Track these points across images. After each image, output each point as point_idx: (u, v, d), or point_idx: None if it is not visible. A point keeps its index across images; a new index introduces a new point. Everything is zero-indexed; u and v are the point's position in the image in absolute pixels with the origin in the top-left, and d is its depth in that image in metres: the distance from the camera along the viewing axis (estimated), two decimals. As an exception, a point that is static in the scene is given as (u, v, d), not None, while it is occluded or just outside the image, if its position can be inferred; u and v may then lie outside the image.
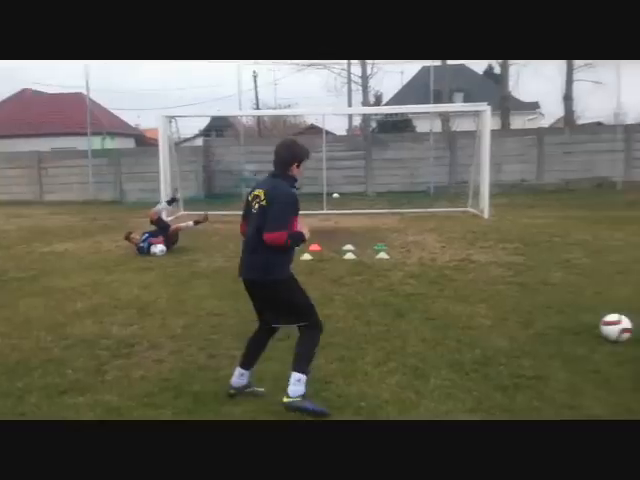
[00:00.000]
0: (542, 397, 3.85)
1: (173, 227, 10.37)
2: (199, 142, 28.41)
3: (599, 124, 29.86)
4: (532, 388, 4.00)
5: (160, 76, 54.13)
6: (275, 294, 3.93)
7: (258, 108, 32.03)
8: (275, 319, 4.05)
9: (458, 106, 20.75)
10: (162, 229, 10.11)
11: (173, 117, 17.50)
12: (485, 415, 3.62)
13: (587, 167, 21.01)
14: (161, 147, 14.98)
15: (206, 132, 36.81)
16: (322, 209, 15.68)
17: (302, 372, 3.84)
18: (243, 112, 25.87)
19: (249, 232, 3.91)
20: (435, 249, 9.71)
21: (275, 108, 35.51)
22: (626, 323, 4.78)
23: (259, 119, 34.73)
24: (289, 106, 37.19)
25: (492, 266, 8.17)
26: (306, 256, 8.98)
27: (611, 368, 4.27)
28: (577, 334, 5.09)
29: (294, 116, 40.24)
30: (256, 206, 3.82)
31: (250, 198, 3.91)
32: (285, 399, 3.78)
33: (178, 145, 22.61)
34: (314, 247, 9.64)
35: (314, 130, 35.90)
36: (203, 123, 39.47)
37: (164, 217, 11.30)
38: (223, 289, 7.14)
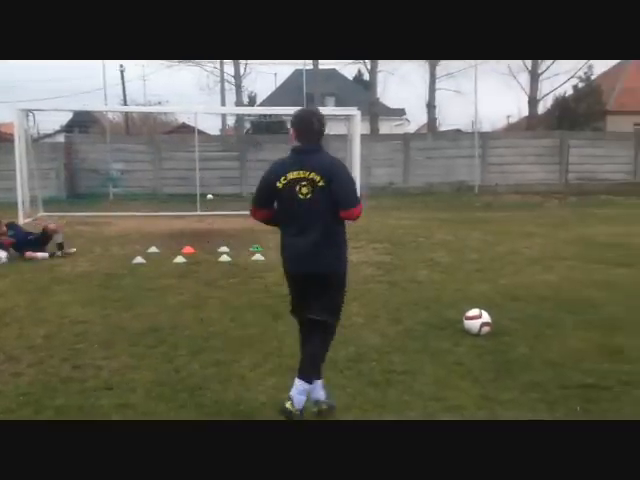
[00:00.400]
0: (411, 391, 4.02)
1: (28, 254, 9.06)
2: (61, 138, 26.67)
3: (458, 131, 32.02)
4: (402, 383, 4.16)
5: (15, 65, 50.13)
6: (332, 286, 3.58)
7: (126, 104, 30.65)
8: (319, 311, 3.58)
9: (330, 110, 21.20)
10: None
11: (30, 110, 16.23)
12: (359, 411, 3.72)
13: (448, 171, 22.40)
14: (17, 143, 13.89)
15: (68, 128, 34.61)
16: (196, 210, 15.35)
17: (319, 377, 3.61)
18: (110, 107, 24.71)
19: (303, 221, 3.44)
20: (309, 250, 9.84)
21: (145, 105, 34.22)
22: (486, 317, 5.13)
23: (127, 116, 33.28)
24: (159, 103, 36.06)
25: (363, 265, 8.44)
26: (179, 259, 8.74)
27: (473, 360, 4.57)
28: (442, 329, 5.39)
29: (165, 114, 39.08)
30: (304, 190, 3.38)
31: (282, 185, 3.43)
32: (289, 406, 3.46)
33: (37, 141, 21.08)
34: (188, 249, 9.43)
35: (186, 129, 35.10)
36: (65, 118, 37.07)
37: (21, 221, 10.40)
38: (88, 295, 6.75)
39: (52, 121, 31.20)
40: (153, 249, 9.60)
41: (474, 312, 5.22)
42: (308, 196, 3.40)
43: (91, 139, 23.72)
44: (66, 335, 5.31)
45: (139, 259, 8.70)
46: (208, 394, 4.05)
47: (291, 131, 3.57)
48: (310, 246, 3.45)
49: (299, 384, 3.52)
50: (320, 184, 3.38)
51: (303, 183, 3.40)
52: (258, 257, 8.95)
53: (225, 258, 8.92)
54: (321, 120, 3.52)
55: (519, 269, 8.03)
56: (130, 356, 4.79)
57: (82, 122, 34.52)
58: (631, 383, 4.06)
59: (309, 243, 3.44)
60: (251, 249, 9.59)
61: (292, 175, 3.42)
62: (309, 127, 3.49)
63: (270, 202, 3.57)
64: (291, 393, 3.51)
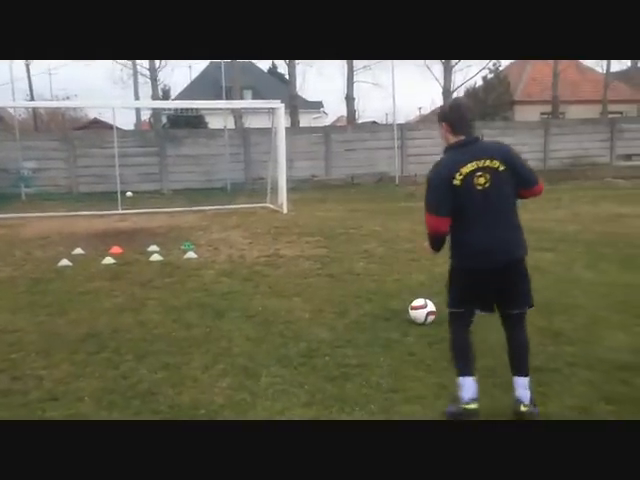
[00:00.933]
0: (369, 384, 4.06)
1: None
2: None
3: (374, 123, 32.63)
4: (359, 375, 4.20)
5: None
6: (526, 269, 3.45)
7: (33, 99, 29.04)
8: (519, 303, 3.46)
9: (254, 103, 21.10)
10: None
11: None
12: (321, 408, 3.72)
13: (369, 163, 22.74)
14: None
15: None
16: (117, 209, 14.78)
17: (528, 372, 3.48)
18: (22, 103, 23.35)
19: (487, 212, 3.30)
20: (242, 245, 9.74)
21: (52, 100, 32.57)
22: (431, 306, 5.25)
23: (35, 112, 31.57)
24: (67, 98, 34.46)
25: (300, 260, 8.43)
26: (108, 260, 8.39)
27: (424, 349, 4.66)
28: (388, 320, 5.47)
29: (74, 109, 37.40)
30: (481, 181, 3.27)
31: (459, 181, 3.28)
32: (524, 408, 3.38)
33: None
34: (115, 250, 9.07)
35: (97, 124, 33.78)
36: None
37: None
38: (15, 302, 6.37)
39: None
40: (78, 250, 9.16)
41: (419, 302, 5.33)
42: (486, 185, 3.29)
43: (-3, 136, 22.31)
44: (-2, 346, 4.99)
45: (65, 262, 8.28)
46: (161, 399, 3.93)
47: (443, 126, 3.45)
48: (504, 235, 3.36)
49: (519, 381, 3.47)
50: (501, 169, 3.29)
51: (478, 174, 3.28)
52: (191, 255, 8.75)
53: (157, 257, 8.66)
54: (471, 109, 3.54)
55: (451, 257, 8.28)
56: (72, 364, 4.56)
57: (-17, 118, 32.50)
58: (577, 364, 4.26)
59: (501, 232, 3.35)
60: (182, 247, 9.35)
61: (466, 169, 3.28)
62: (466, 118, 3.42)
63: (450, 206, 3.33)
64: (517, 394, 3.45)
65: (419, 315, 5.25)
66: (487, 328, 4.33)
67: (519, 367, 3.49)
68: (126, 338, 5.15)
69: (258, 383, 4.14)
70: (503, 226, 3.37)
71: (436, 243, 3.53)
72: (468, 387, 3.44)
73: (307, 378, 4.20)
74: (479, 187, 3.30)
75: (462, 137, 3.40)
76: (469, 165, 3.29)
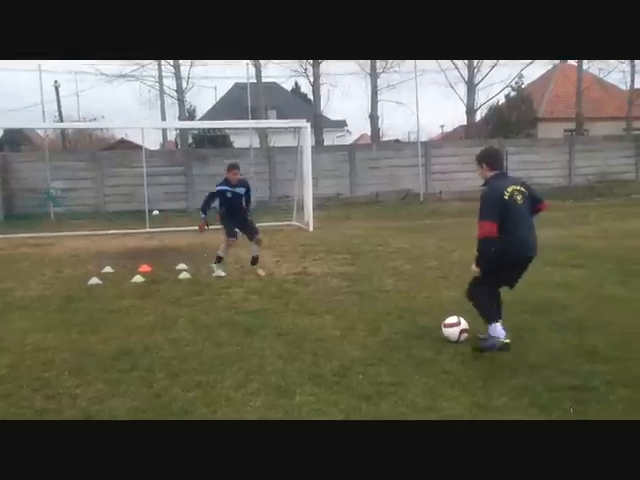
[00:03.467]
0: (405, 402, 3.99)
1: None
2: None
3: (397, 141, 32.63)
4: (394, 394, 4.13)
5: None
6: None
7: (62, 121, 29.65)
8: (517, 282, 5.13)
9: (281, 122, 21.20)
10: None
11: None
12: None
13: (393, 180, 22.70)
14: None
15: (-1, 147, 33.16)
16: (145, 227, 14.93)
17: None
18: (52, 125, 23.93)
19: (527, 217, 4.86)
20: (271, 263, 9.74)
21: (79, 121, 33.22)
22: (464, 324, 5.18)
23: (63, 132, 32.22)
24: (94, 119, 35.11)
25: (328, 277, 8.40)
26: (137, 278, 8.45)
27: (458, 368, 4.58)
28: (420, 338, 5.40)
29: (101, 130, 38.14)
30: (519, 197, 4.79)
31: (507, 196, 4.75)
32: (507, 340, 4.80)
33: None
34: (144, 268, 9.13)
35: (124, 144, 34.33)
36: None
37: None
38: (47, 320, 6.42)
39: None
40: (108, 269, 9.25)
41: (452, 320, 5.26)
42: (520, 202, 4.80)
43: (28, 157, 22.81)
44: (32, 364, 5.01)
45: (95, 280, 8.36)
46: (196, 418, 3.90)
47: (483, 166, 5.01)
48: (534, 236, 4.90)
49: (500, 323, 4.84)
50: (524, 192, 4.87)
51: (516, 193, 4.81)
52: (220, 273, 8.77)
53: (185, 275, 8.70)
54: (500, 153, 5.40)
55: (481, 274, 8.18)
56: (105, 382, 4.56)
57: (13, 140, 33.24)
58: (614, 382, 4.16)
59: (533, 234, 4.89)
60: (210, 265, 9.36)
61: (510, 189, 4.81)
62: (499, 159, 5.13)
63: (498, 215, 4.72)
64: (499, 333, 4.78)
65: (452, 333, 5.17)
66: (525, 345, 4.25)
67: (499, 314, 5.01)
68: (158, 356, 5.15)
69: (292, 402, 4.09)
70: (532, 230, 4.93)
71: (489, 247, 4.78)
72: (500, 328, 4.79)
73: (341, 397, 4.14)
74: (519, 202, 4.83)
75: (497, 171, 5.00)
76: (510, 187, 4.84)
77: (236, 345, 5.39)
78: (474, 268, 4.96)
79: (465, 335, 5.16)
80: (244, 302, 7.04)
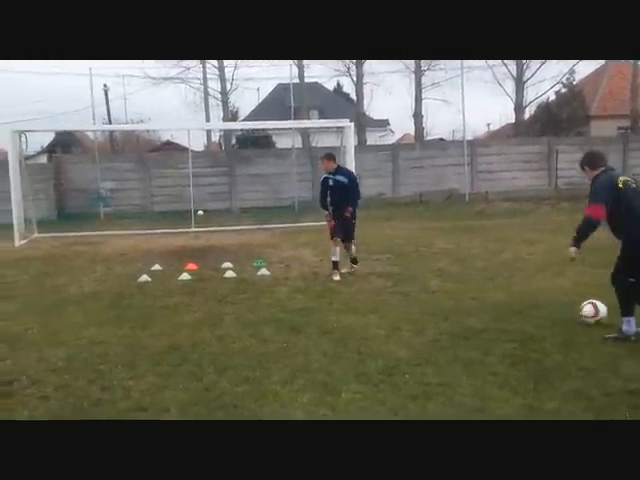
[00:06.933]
0: (452, 403, 3.97)
1: None
2: (42, 159, 26.50)
3: (441, 140, 32.24)
4: (441, 395, 4.11)
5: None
6: None
7: (110, 123, 30.42)
8: None
9: (324, 122, 21.24)
10: None
11: (23, 132, 15.89)
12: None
13: (437, 180, 22.46)
14: (11, 165, 13.68)
15: (51, 148, 34.26)
16: (190, 227, 15.21)
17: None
18: (103, 127, 24.60)
19: None
20: (314, 263, 9.79)
21: (127, 123, 34.02)
22: (603, 311, 5.60)
23: (111, 135, 33.06)
24: (141, 121, 35.88)
25: (371, 277, 8.40)
26: (184, 276, 8.63)
27: (508, 370, 4.52)
28: (467, 339, 5.35)
29: (148, 132, 38.95)
30: (633, 185, 5.10)
31: (622, 185, 5.03)
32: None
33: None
34: (191, 266, 9.30)
35: (170, 146, 34.99)
36: (46, 139, 36.66)
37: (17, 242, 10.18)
38: (100, 315, 6.63)
39: (32, 142, 30.84)
40: (157, 267, 9.47)
41: (589, 310, 5.66)
42: (634, 186, 5.10)
43: (79, 159, 23.52)
44: (87, 356, 5.19)
45: (145, 277, 8.57)
46: (245, 412, 3.97)
47: (586, 169, 5.34)
48: None
49: (632, 320, 5.11)
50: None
51: (632, 183, 5.12)
52: (264, 272, 8.87)
53: (230, 274, 8.83)
54: (599, 153, 5.54)
55: (530, 276, 8.04)
56: (156, 375, 4.69)
57: (64, 142, 34.30)
58: None
59: None
60: (255, 264, 9.49)
61: (622, 178, 5.13)
62: (601, 157, 5.37)
63: (607, 201, 5.00)
64: (631, 329, 5.08)
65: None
66: (578, 348, 4.16)
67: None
68: (206, 351, 5.26)
69: (338, 399, 4.12)
70: None
71: (590, 231, 5.09)
72: (633, 322, 5.10)
73: (388, 395, 4.14)
74: (633, 187, 5.12)
75: (602, 167, 5.26)
76: (621, 177, 5.17)
77: (281, 342, 5.45)
78: (571, 250, 5.20)
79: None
80: (288, 300, 7.10)
